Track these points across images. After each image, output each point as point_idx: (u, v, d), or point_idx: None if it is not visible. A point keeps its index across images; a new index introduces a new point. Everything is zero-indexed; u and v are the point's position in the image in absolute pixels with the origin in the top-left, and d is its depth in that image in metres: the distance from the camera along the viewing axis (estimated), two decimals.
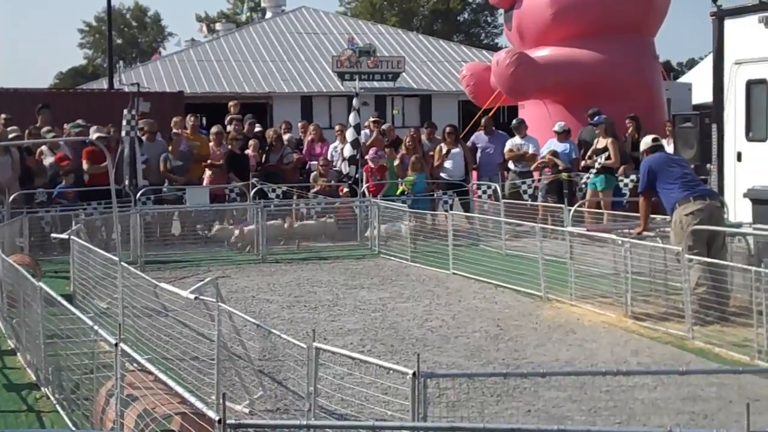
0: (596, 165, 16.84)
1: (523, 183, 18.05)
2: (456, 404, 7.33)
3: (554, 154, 17.70)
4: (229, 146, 17.89)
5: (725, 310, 9.64)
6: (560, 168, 17.52)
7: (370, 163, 18.05)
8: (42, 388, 8.20)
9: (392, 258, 15.35)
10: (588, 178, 17.04)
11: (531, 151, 18.37)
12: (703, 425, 6.98)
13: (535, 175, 18.21)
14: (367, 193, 17.63)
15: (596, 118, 17.59)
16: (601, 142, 17.10)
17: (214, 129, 18.65)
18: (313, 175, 18.42)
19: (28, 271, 9.27)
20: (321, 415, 6.30)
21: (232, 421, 4.73)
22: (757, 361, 8.70)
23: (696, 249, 10.35)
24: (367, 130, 19.51)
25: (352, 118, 18.00)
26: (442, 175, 18.25)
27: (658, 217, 12.27)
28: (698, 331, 9.67)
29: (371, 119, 20.32)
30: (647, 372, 7.26)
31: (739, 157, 13.85)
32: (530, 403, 7.76)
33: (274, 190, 17.50)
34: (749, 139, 13.81)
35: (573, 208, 14.97)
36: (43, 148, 17.04)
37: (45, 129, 17.37)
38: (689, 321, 9.75)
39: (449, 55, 44.28)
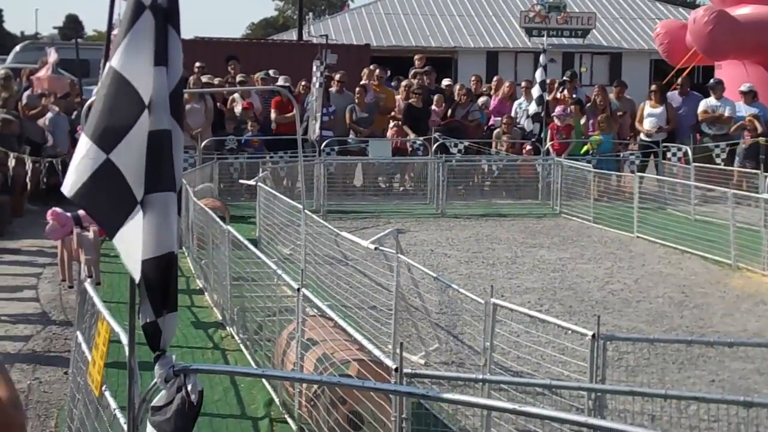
0: None
1: (717, 146, 17.29)
2: (635, 369, 7.14)
3: (756, 117, 16.86)
4: (411, 100, 17.90)
5: None
6: (759, 132, 16.68)
7: (556, 121, 17.70)
8: (227, 328, 8.51)
9: (574, 218, 15.06)
10: None
11: (727, 113, 17.53)
12: None
13: None
14: (551, 151, 17.32)
15: None
16: None
17: (404, 82, 18.71)
18: (496, 132, 18.23)
19: (218, 215, 9.60)
20: (496, 371, 6.26)
21: (409, 371, 4.75)
22: None
23: None
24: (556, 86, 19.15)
25: (538, 74, 17.66)
26: (642, 136, 17.71)
27: None
28: None
29: (566, 77, 19.87)
30: None
31: None
32: (714, 372, 7.49)
33: (455, 145, 17.45)
34: None
35: None
36: (236, 95, 17.55)
37: (239, 78, 17.89)
38: None
39: (643, 11, 42.81)
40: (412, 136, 17.58)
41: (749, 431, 5.81)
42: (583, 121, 17.72)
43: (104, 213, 3.04)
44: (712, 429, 5.79)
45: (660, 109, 17.63)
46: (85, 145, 3.01)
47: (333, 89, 17.76)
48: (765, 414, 4.69)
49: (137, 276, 3.01)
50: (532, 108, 17.76)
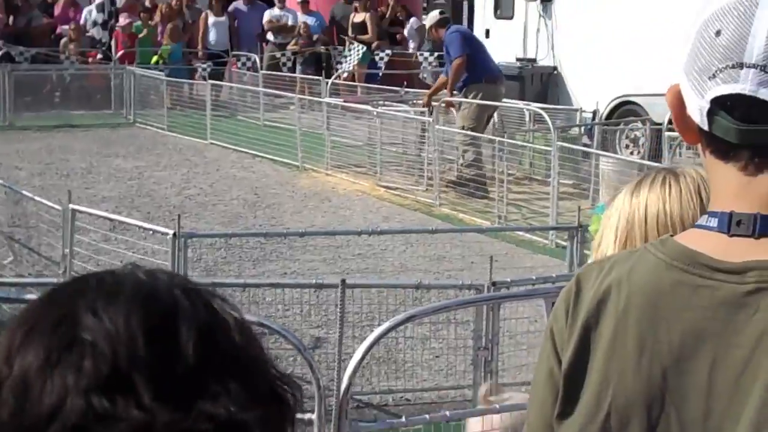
0: (355, 46, 17.03)
1: (283, 55, 18.01)
2: (213, 268, 7.49)
3: (308, 24, 17.78)
4: None
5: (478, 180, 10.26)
6: (314, 39, 17.67)
7: (119, 30, 17.47)
8: None
9: (148, 127, 15.07)
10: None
11: (290, 22, 18.26)
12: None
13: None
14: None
15: None
16: (358, 17, 17.34)
17: None
18: (63, 41, 17.57)
19: None
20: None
21: None
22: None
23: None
24: None
25: None
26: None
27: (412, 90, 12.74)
28: (444, 198, 10.25)
29: None
30: (400, 231, 7.71)
31: (487, 33, 14.62)
32: (287, 266, 8.03)
33: (22, 53, 16.61)
34: (497, 17, 14.71)
35: (330, 81, 15.21)
36: None
37: None
38: (437, 189, 10.31)
39: None
40: None
41: (319, 313, 6.41)
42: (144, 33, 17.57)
43: None
44: (287, 316, 6.30)
45: (223, 18, 18.02)
46: None
47: None
48: (333, 296, 5.18)
49: None
50: (95, 15, 17.41)
